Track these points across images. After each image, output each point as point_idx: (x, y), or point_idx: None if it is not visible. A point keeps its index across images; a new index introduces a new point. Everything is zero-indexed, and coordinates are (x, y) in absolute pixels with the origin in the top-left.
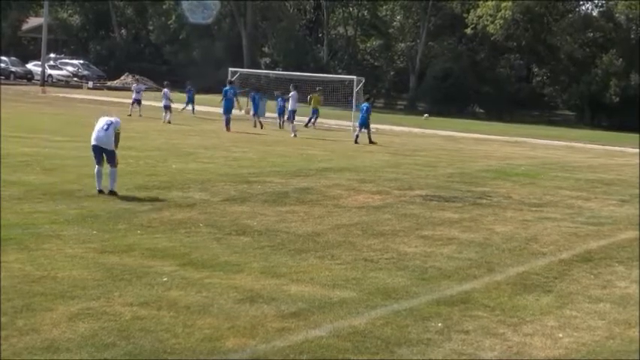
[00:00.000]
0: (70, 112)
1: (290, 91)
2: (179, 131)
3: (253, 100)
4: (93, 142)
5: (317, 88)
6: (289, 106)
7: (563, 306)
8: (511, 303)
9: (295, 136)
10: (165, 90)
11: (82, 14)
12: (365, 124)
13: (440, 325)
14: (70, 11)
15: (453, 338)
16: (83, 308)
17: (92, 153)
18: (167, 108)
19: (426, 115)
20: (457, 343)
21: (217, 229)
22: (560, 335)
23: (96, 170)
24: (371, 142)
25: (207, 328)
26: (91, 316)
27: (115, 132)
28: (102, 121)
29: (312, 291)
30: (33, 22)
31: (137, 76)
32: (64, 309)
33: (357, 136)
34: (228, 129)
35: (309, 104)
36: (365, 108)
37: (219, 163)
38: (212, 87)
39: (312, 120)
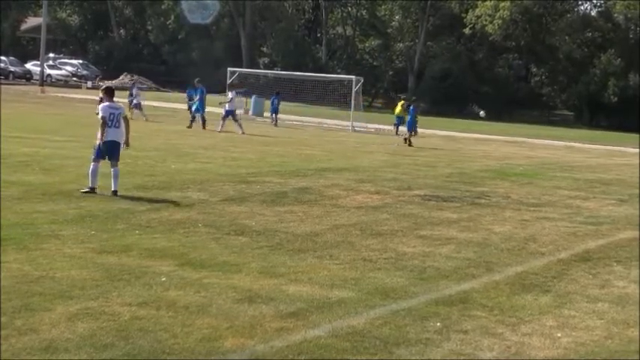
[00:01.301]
0: (69, 112)
1: (228, 94)
2: (177, 132)
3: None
4: (109, 139)
5: (400, 97)
6: (227, 106)
7: (562, 306)
8: (509, 303)
9: (220, 132)
10: (134, 89)
11: (81, 14)
12: (414, 126)
13: (438, 324)
14: (68, 11)
15: (452, 338)
16: (82, 308)
17: (97, 150)
18: (137, 106)
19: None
20: (456, 342)
21: (216, 229)
22: (559, 335)
23: (93, 167)
24: (410, 143)
25: (205, 328)
26: (89, 316)
27: (123, 119)
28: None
29: (311, 291)
30: (32, 22)
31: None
32: (63, 309)
33: (406, 139)
34: (190, 126)
35: (394, 113)
36: (411, 110)
37: (217, 164)
38: (211, 87)
39: (396, 128)
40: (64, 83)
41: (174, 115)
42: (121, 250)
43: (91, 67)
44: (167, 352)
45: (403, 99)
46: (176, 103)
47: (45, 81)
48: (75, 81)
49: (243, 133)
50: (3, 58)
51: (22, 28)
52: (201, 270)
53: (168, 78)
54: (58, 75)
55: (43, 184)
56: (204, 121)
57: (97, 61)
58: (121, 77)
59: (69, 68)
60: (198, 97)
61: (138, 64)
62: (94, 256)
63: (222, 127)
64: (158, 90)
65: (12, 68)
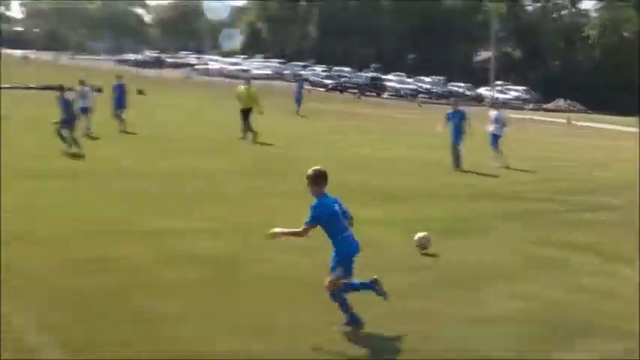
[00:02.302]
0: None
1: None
2: (606, 147)
3: None
4: None
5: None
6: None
7: None
8: None
9: None
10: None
11: (521, 49)
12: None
13: None
14: (512, 45)
15: None
16: (514, 290)
17: None
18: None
19: None
20: None
21: (627, 228)
22: None
23: None
24: None
25: (615, 311)
26: (520, 298)
27: None
28: None
29: None
30: (483, 55)
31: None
32: (502, 287)
33: None
34: None
35: None
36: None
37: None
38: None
39: None
40: (509, 106)
41: (606, 135)
42: (543, 242)
43: (532, 93)
44: (583, 330)
45: None
46: (600, 123)
47: (495, 103)
48: (518, 104)
49: None
50: (461, 84)
51: (475, 59)
52: (614, 262)
53: (601, 104)
54: (504, 98)
55: (470, 186)
56: None
57: (535, 87)
58: (555, 101)
59: (513, 93)
60: None
61: (571, 91)
62: (523, 244)
63: None
64: (587, 112)
65: (468, 92)
